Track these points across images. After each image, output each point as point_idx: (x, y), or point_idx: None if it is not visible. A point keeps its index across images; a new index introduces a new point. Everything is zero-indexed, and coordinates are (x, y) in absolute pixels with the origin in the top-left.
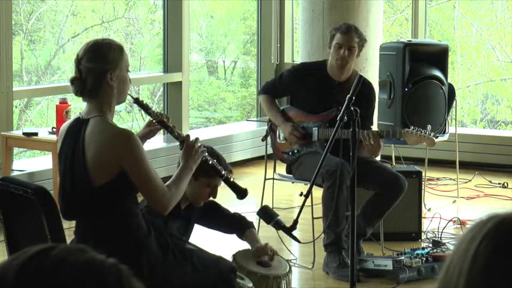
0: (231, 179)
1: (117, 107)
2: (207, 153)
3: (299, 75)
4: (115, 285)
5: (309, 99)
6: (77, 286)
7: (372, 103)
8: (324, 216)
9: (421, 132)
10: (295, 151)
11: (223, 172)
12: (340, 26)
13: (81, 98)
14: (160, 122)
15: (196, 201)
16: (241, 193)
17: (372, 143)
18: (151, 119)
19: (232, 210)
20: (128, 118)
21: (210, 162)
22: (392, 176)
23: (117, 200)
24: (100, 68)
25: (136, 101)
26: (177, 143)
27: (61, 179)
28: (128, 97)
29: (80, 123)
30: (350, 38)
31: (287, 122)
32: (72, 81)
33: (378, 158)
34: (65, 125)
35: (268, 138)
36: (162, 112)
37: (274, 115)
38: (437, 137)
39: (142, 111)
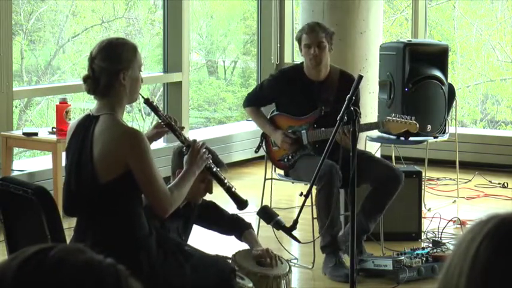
0: (233, 189)
1: None
2: (211, 161)
3: (279, 83)
4: (113, 285)
5: (293, 104)
6: (75, 286)
7: (358, 97)
8: (318, 219)
9: (402, 118)
10: (290, 157)
11: (225, 181)
12: (303, 27)
13: (91, 97)
14: (168, 125)
15: (193, 198)
16: (241, 204)
17: (344, 136)
18: (160, 121)
19: (231, 211)
20: (127, 118)
21: (214, 169)
22: (387, 169)
23: (122, 198)
24: (113, 68)
25: (147, 101)
26: (178, 143)
27: (66, 174)
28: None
29: (89, 120)
30: (316, 35)
31: (276, 130)
32: (85, 79)
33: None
34: (74, 122)
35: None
36: (171, 115)
37: (263, 125)
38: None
39: (143, 111)
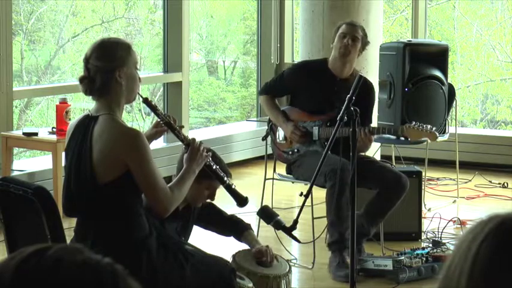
0: (233, 186)
1: None
2: (210, 158)
3: (301, 74)
4: (111, 285)
5: (311, 97)
6: (73, 286)
7: (372, 103)
8: (328, 215)
9: (423, 127)
10: (295, 150)
11: (225, 179)
12: (346, 20)
13: (89, 97)
14: (167, 124)
15: (194, 202)
16: (241, 201)
17: (363, 137)
18: (159, 120)
19: (231, 211)
20: (127, 118)
21: (214, 167)
22: (394, 176)
23: (122, 198)
24: (108, 66)
25: (146, 100)
26: (178, 143)
27: (66, 175)
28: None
29: (88, 120)
30: (355, 29)
31: (288, 121)
32: (81, 80)
33: (378, 158)
34: (73, 122)
35: (269, 138)
36: (170, 114)
37: (276, 115)
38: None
39: (142, 111)
